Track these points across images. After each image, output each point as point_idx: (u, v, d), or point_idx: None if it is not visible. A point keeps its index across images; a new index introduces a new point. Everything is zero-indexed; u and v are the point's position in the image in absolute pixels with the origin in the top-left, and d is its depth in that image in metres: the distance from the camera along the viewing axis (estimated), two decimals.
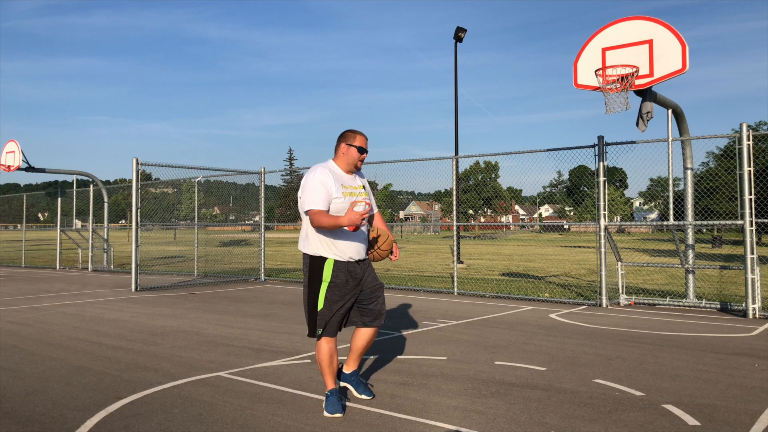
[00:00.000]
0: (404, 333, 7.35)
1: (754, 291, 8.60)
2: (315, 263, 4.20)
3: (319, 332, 4.21)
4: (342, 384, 4.52)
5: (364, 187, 4.43)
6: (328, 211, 4.12)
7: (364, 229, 4.33)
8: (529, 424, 3.94)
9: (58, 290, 12.56)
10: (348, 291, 4.22)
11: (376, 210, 4.60)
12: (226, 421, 4.01)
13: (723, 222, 9.46)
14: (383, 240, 4.38)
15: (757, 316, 8.59)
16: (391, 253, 4.46)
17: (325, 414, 4.10)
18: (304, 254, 4.28)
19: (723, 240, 32.91)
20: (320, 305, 4.19)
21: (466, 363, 5.69)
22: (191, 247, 17.08)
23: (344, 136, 4.39)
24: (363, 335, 4.36)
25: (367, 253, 4.39)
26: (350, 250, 4.21)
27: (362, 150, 4.35)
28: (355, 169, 4.41)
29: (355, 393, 4.49)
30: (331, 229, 4.13)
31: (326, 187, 4.12)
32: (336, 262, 4.18)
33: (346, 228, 4.13)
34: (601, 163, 9.84)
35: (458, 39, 20.17)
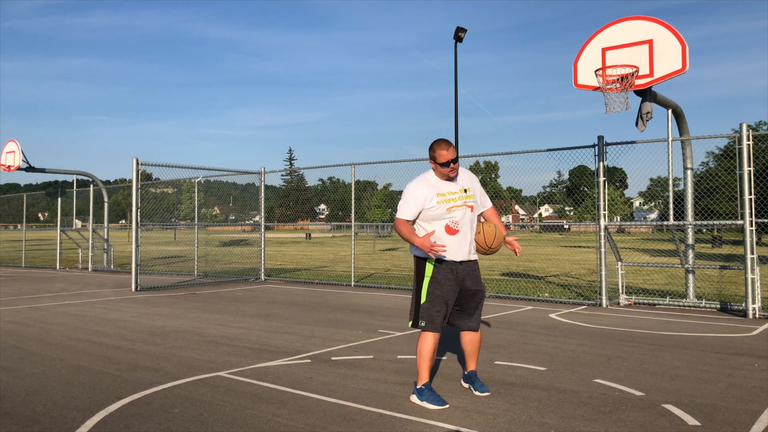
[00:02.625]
0: (404, 333, 7.35)
1: (754, 291, 8.60)
2: (419, 263, 4.53)
3: (422, 324, 4.45)
4: (464, 384, 4.79)
5: (466, 190, 4.53)
6: (414, 221, 4.49)
7: (463, 232, 4.49)
8: (529, 424, 3.94)
9: (58, 290, 12.56)
10: (449, 288, 4.47)
11: (487, 206, 4.78)
12: (226, 421, 4.01)
13: (723, 222, 9.46)
14: (480, 237, 4.61)
15: (757, 316, 8.59)
16: (492, 249, 4.65)
17: (431, 407, 4.30)
18: (413, 255, 4.59)
19: (723, 240, 32.91)
20: (423, 299, 4.47)
21: None
22: (191, 247, 17.08)
23: (431, 149, 4.52)
24: (464, 338, 4.68)
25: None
26: (456, 252, 4.46)
27: (446, 165, 4.43)
28: (449, 178, 4.51)
29: (474, 392, 4.65)
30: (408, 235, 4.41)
31: (416, 199, 4.42)
32: (438, 261, 4.46)
33: (444, 231, 4.44)
34: (601, 163, 9.84)
35: (458, 39, 20.15)
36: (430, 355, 4.44)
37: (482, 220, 4.81)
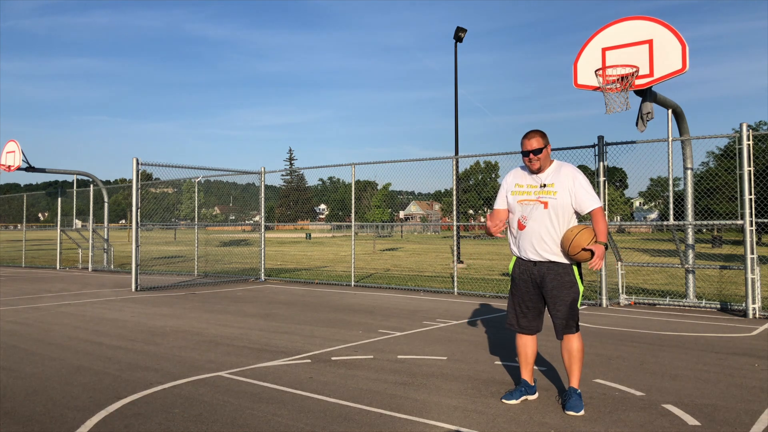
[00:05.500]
0: (404, 333, 7.35)
1: (754, 291, 8.60)
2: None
3: (507, 321, 4.59)
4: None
5: (545, 185, 4.28)
6: (508, 211, 4.47)
7: (530, 229, 4.28)
8: (529, 424, 3.94)
9: (59, 290, 12.56)
10: (524, 289, 4.40)
11: (586, 208, 4.25)
12: (226, 421, 4.01)
13: (723, 222, 9.46)
14: (566, 242, 4.17)
15: (757, 316, 8.59)
16: (569, 255, 4.17)
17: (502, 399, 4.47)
18: None
19: (723, 240, 32.89)
20: (509, 297, 4.55)
21: (466, 363, 5.69)
22: (191, 247, 17.08)
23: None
24: (561, 347, 4.39)
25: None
26: (524, 249, 4.37)
27: (525, 154, 4.31)
28: (535, 170, 4.33)
29: (564, 410, 4.23)
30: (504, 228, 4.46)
31: (502, 186, 4.53)
32: (517, 258, 4.47)
33: (516, 225, 4.39)
34: (601, 163, 9.84)
35: (458, 39, 20.16)
36: (519, 352, 4.54)
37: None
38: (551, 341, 6.75)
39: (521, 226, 4.34)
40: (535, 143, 4.26)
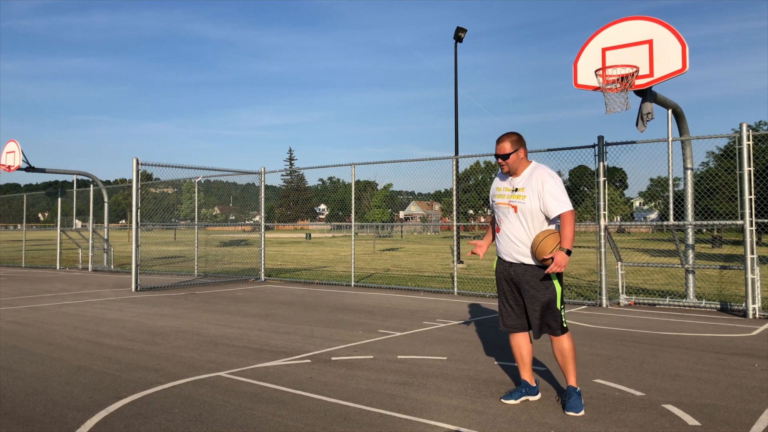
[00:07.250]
0: (404, 333, 7.35)
1: (754, 291, 8.60)
2: None
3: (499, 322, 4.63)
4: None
5: (516, 189, 4.33)
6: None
7: (504, 232, 4.39)
8: (529, 424, 3.94)
9: (59, 290, 12.56)
10: (506, 288, 4.50)
11: (552, 212, 4.20)
12: (226, 421, 4.01)
13: (723, 222, 9.46)
14: (533, 248, 4.20)
15: (757, 316, 8.59)
16: (538, 259, 4.19)
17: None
18: None
19: (723, 240, 32.88)
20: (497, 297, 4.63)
21: (466, 363, 5.70)
22: (191, 247, 17.08)
23: None
24: (553, 348, 4.37)
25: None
26: (500, 251, 4.50)
27: (496, 157, 4.40)
28: (509, 174, 4.42)
29: (564, 410, 4.25)
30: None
31: (491, 191, 4.65)
32: (498, 258, 4.55)
33: (496, 227, 4.54)
34: (601, 163, 9.84)
35: (458, 39, 20.17)
36: (514, 353, 4.58)
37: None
38: (549, 341, 6.75)
39: (497, 229, 4.49)
40: (506, 146, 4.32)
